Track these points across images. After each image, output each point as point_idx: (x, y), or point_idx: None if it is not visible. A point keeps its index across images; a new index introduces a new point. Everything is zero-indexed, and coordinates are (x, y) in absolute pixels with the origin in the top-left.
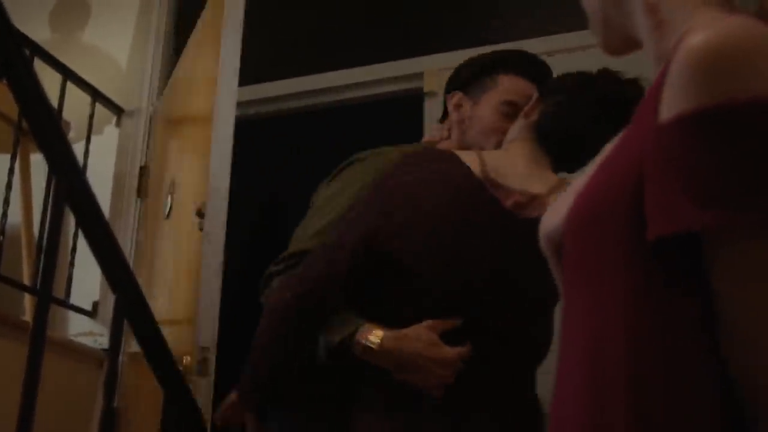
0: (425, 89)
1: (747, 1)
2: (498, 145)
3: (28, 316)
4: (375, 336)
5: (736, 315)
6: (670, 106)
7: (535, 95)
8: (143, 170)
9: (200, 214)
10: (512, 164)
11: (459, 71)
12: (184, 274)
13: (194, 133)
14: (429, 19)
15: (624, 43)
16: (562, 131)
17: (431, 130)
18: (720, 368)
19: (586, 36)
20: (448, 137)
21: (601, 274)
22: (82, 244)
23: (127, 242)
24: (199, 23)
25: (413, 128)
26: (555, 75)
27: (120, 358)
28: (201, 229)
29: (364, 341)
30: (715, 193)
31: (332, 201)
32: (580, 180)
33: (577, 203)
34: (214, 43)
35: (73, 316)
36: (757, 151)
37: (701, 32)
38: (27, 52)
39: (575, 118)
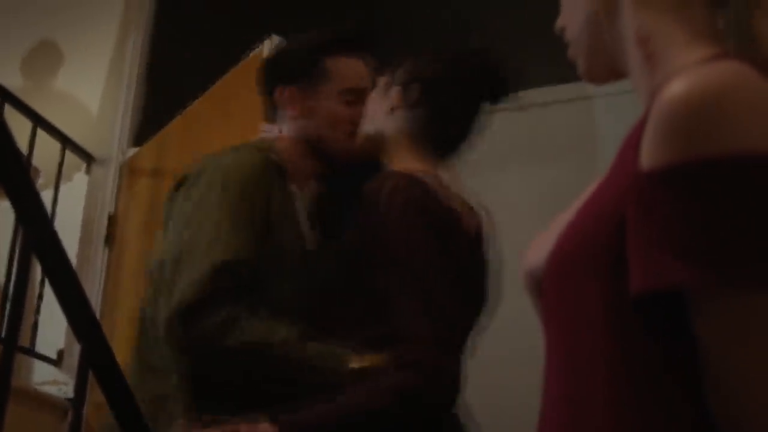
0: None
1: (729, 31)
2: (349, 135)
3: None
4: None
5: (720, 366)
6: (649, 155)
7: (395, 87)
8: (112, 218)
9: None
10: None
11: (278, 64)
12: None
13: None
14: None
15: (608, 71)
16: (445, 129)
17: (266, 132)
18: (700, 420)
19: (553, 92)
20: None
21: (578, 322)
22: (49, 291)
23: (94, 290)
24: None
25: None
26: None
27: (85, 407)
28: None
29: None
30: (695, 250)
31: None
32: (563, 217)
33: (558, 244)
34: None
35: (37, 364)
36: (734, 208)
37: (683, 81)
38: None
39: (454, 112)
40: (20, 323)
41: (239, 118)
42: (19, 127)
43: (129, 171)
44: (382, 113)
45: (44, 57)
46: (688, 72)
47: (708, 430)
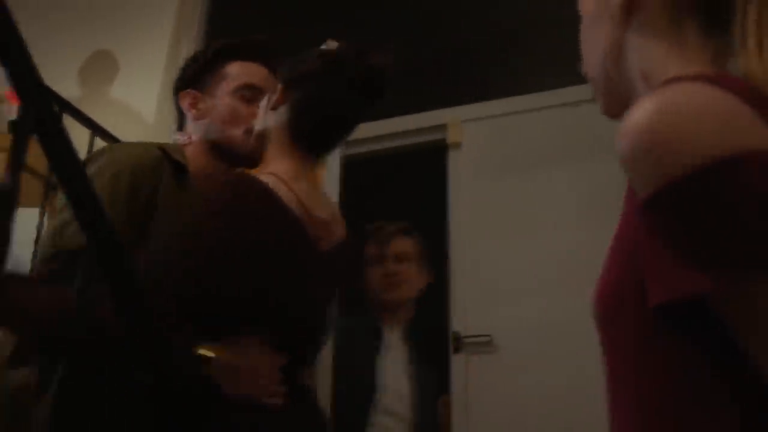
0: (448, 140)
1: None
2: (246, 133)
3: None
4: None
5: (757, 344)
6: (636, 189)
7: (279, 85)
8: None
9: None
10: (308, 189)
11: (184, 71)
12: None
13: None
14: (451, 72)
15: (623, 108)
16: (320, 125)
17: (176, 138)
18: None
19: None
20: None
21: (621, 364)
22: None
23: None
24: None
25: (437, 178)
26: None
27: None
28: None
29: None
30: (698, 257)
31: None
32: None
33: (597, 294)
34: None
35: None
36: (717, 211)
37: (635, 110)
38: (57, 108)
39: (330, 108)
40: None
41: None
42: (78, 136)
43: None
44: (265, 111)
45: (100, 67)
46: (644, 100)
47: (753, 422)
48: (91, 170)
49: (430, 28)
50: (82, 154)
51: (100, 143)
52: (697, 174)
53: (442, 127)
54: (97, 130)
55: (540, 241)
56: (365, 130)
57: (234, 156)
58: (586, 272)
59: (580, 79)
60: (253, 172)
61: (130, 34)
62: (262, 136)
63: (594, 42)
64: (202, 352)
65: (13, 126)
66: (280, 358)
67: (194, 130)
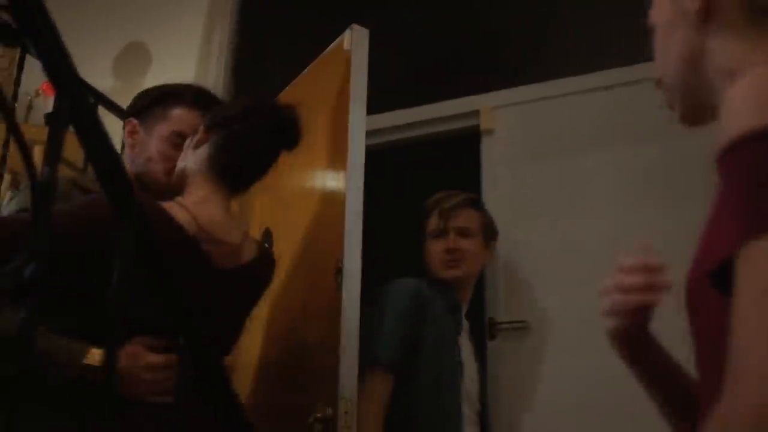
0: (481, 127)
1: None
2: (166, 173)
3: None
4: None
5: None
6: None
7: (202, 127)
8: None
9: (338, 271)
10: (215, 214)
11: (136, 100)
12: (303, 322)
13: (301, 188)
14: (484, 58)
15: (703, 112)
16: (238, 162)
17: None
18: None
19: (637, 70)
20: None
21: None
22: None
23: None
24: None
25: (470, 165)
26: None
27: None
28: (338, 286)
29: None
30: (741, 220)
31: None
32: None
33: (690, 272)
34: (328, 111)
35: None
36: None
37: (740, 81)
38: (91, 100)
39: (248, 147)
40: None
41: (322, 108)
42: (112, 127)
43: None
44: (188, 152)
45: (133, 58)
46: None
47: None
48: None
49: (461, 15)
50: (117, 145)
51: None
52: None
53: (474, 114)
54: None
55: (575, 226)
56: (397, 117)
57: (154, 189)
58: (621, 256)
59: (611, 63)
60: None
61: (163, 25)
62: (183, 173)
63: (670, 49)
64: (91, 356)
65: (50, 118)
66: (169, 358)
67: (126, 157)
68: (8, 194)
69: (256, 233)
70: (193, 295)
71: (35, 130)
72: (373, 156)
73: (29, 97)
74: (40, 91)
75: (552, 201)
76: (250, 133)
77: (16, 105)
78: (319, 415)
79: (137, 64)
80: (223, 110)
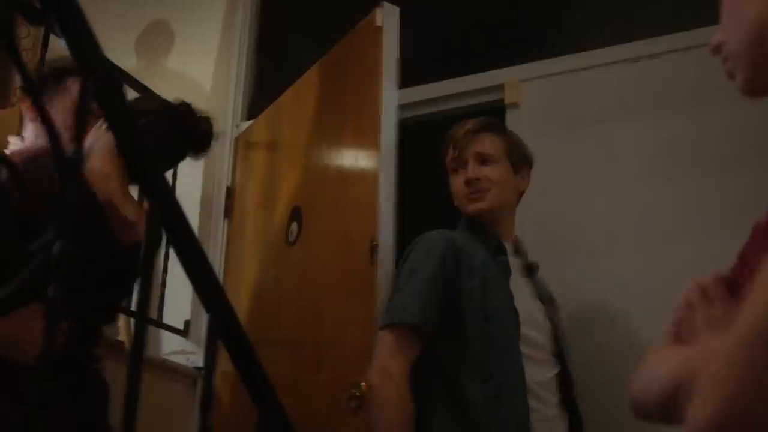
0: (506, 101)
1: None
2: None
3: (122, 336)
4: None
5: None
6: None
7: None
8: (230, 191)
9: (373, 248)
10: (117, 189)
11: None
12: (335, 298)
13: (332, 166)
14: (509, 31)
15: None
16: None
17: (11, 142)
18: None
19: (664, 42)
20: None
21: None
22: (171, 265)
23: (215, 262)
24: (321, 66)
25: None
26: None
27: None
28: (372, 263)
29: None
30: None
31: None
32: None
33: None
34: (358, 89)
35: (165, 335)
36: None
37: None
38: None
39: (153, 140)
40: (150, 295)
41: (352, 87)
42: None
43: (244, 144)
44: (97, 131)
45: (157, 37)
46: None
47: None
48: None
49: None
50: None
51: None
52: None
53: (499, 88)
54: None
55: (602, 201)
56: (422, 92)
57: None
58: (650, 232)
59: (637, 35)
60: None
61: (185, 4)
62: (90, 152)
63: (744, 14)
64: None
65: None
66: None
67: (29, 134)
68: None
69: (284, 212)
70: (92, 263)
71: None
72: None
73: None
74: None
75: (577, 175)
76: (156, 127)
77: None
78: (354, 391)
79: (160, 42)
80: (139, 101)
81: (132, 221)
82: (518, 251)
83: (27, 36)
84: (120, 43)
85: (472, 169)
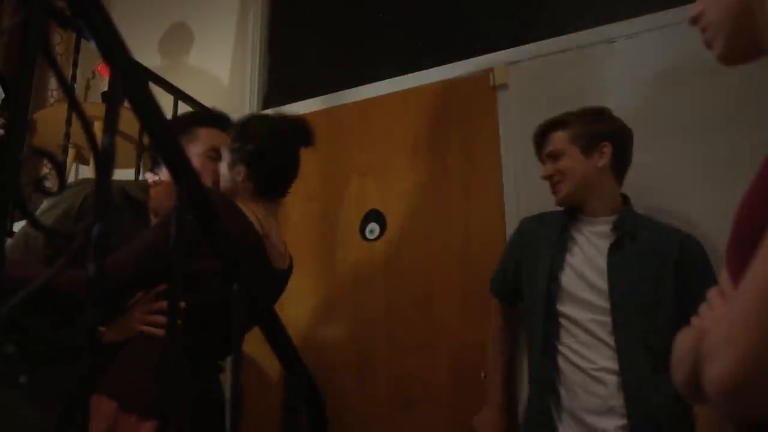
0: (495, 83)
1: None
2: (213, 184)
3: None
4: None
5: None
6: None
7: (250, 146)
8: None
9: None
10: (271, 222)
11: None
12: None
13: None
14: (496, 17)
15: (748, 52)
16: (274, 178)
17: (147, 177)
18: None
19: (656, 19)
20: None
21: None
22: None
23: None
24: None
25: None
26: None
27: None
28: None
29: None
30: None
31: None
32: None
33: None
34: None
35: None
36: None
37: None
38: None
39: (279, 164)
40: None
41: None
42: (162, 101)
43: None
44: (227, 189)
45: (178, 38)
46: None
47: None
48: (53, 201)
49: None
50: (168, 117)
51: (183, 107)
52: None
53: (488, 72)
54: (179, 95)
55: None
56: (410, 80)
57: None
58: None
59: (618, 16)
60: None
61: (202, 5)
62: (227, 187)
63: None
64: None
65: (106, 94)
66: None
67: (166, 175)
68: (45, 202)
69: (358, 214)
70: (260, 286)
71: (94, 107)
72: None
73: (87, 78)
74: (96, 72)
75: None
76: (280, 151)
77: (75, 85)
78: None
79: (181, 42)
80: (252, 131)
81: (279, 250)
82: (618, 224)
83: (60, 42)
84: (144, 44)
85: (545, 168)
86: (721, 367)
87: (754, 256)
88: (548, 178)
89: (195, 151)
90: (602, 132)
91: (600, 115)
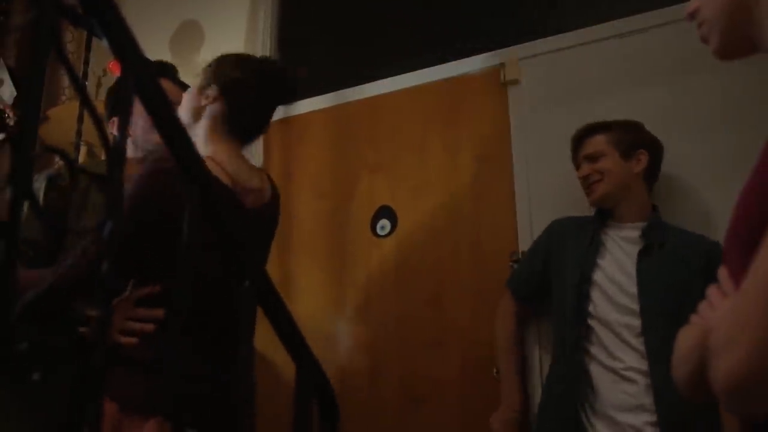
0: (506, 79)
1: None
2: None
3: None
4: None
5: None
6: None
7: (215, 86)
8: None
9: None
10: (241, 166)
11: (108, 102)
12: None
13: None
14: (506, 12)
15: (742, 49)
16: (251, 122)
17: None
18: None
19: (667, 14)
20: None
21: None
22: None
23: None
24: None
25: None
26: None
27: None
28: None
29: None
30: None
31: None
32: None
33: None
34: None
35: None
36: None
37: None
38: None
39: (259, 110)
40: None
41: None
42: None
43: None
44: (190, 110)
45: (189, 36)
46: None
47: None
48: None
49: None
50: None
51: None
52: None
53: (498, 68)
54: None
55: None
56: (420, 77)
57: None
58: None
59: (630, 10)
60: None
61: (213, 4)
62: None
63: None
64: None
65: (116, 90)
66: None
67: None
68: (43, 174)
69: (368, 211)
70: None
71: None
72: None
73: (98, 76)
74: (108, 70)
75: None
76: (262, 98)
77: (86, 83)
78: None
79: (191, 41)
80: (234, 72)
81: (256, 188)
82: (648, 230)
83: (71, 40)
84: (156, 43)
85: (582, 169)
86: (726, 365)
87: (755, 254)
88: (585, 178)
89: (140, 108)
90: (641, 140)
91: (637, 125)
